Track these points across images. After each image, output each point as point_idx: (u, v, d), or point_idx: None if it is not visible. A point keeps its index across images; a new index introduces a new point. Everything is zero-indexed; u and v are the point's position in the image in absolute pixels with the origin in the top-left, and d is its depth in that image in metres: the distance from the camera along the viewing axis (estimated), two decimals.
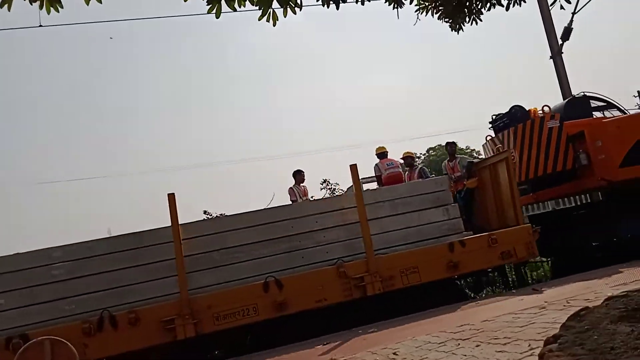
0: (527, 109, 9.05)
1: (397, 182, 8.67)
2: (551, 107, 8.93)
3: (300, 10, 3.82)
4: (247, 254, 6.37)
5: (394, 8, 5.00)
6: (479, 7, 5.17)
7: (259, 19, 3.68)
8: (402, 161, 9.56)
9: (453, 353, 3.59)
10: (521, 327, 3.96)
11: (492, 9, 5.20)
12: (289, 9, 3.71)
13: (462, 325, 4.46)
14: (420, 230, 6.95)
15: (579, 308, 3.79)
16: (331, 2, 4.29)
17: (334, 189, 23.03)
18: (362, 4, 4.59)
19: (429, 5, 5.22)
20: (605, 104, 9.46)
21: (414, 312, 6.09)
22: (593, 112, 9.21)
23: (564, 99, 11.35)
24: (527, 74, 70.73)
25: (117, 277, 5.93)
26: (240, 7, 3.61)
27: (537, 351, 3.14)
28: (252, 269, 6.30)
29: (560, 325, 3.48)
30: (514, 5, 5.10)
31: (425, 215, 7.04)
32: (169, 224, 6.04)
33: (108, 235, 6.26)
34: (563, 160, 8.34)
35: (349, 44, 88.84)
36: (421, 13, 5.25)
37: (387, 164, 9.19)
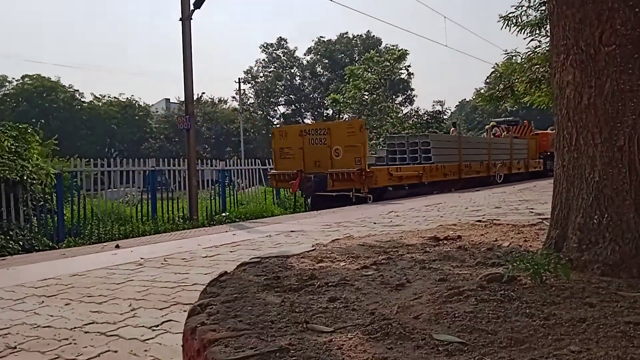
0: (521, 121, 23.00)
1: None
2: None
3: None
4: None
5: None
6: None
7: None
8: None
9: (36, 313, 2.92)
10: (118, 284, 3.57)
11: None
12: None
13: (45, 280, 3.85)
14: None
15: (178, 266, 4.04)
16: None
17: None
18: None
19: None
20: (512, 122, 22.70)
21: None
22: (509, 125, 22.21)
23: (184, 62, 12.64)
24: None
25: None
26: None
27: (140, 312, 2.84)
28: None
29: (152, 282, 3.53)
30: None
31: None
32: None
33: None
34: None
35: None
36: None
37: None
